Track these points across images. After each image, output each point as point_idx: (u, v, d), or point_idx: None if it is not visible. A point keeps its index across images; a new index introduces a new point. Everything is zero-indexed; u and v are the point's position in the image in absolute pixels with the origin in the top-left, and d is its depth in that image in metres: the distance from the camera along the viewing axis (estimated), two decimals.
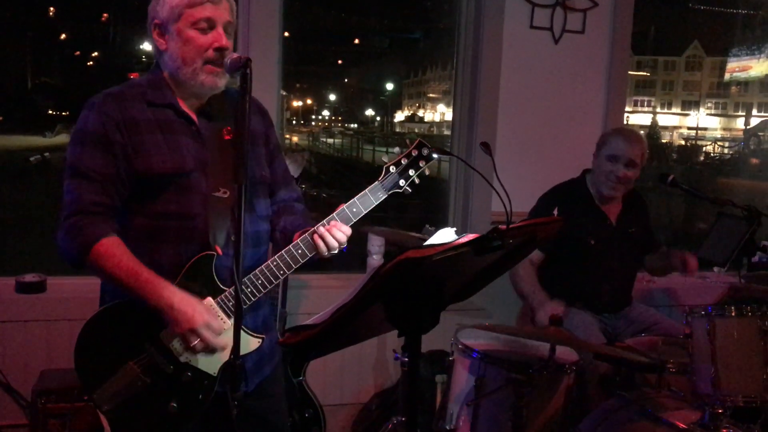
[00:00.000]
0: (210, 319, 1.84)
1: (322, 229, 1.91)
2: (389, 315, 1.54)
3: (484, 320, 3.74)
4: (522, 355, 2.61)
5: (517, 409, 2.41)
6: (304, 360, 3.31)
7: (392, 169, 1.98)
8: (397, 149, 2.04)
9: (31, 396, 2.97)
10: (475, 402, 2.52)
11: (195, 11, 1.85)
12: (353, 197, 1.97)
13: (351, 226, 1.97)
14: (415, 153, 1.99)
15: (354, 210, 1.96)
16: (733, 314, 2.54)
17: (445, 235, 1.74)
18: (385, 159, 2.01)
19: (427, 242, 1.68)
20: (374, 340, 3.70)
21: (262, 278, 1.91)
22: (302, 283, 3.63)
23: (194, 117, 1.97)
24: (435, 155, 2.02)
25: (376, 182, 1.97)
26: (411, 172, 1.99)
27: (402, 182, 1.98)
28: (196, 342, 1.83)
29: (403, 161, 1.99)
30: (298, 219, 2.11)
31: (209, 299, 1.90)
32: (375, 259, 3.58)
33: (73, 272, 3.49)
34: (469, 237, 1.48)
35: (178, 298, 1.81)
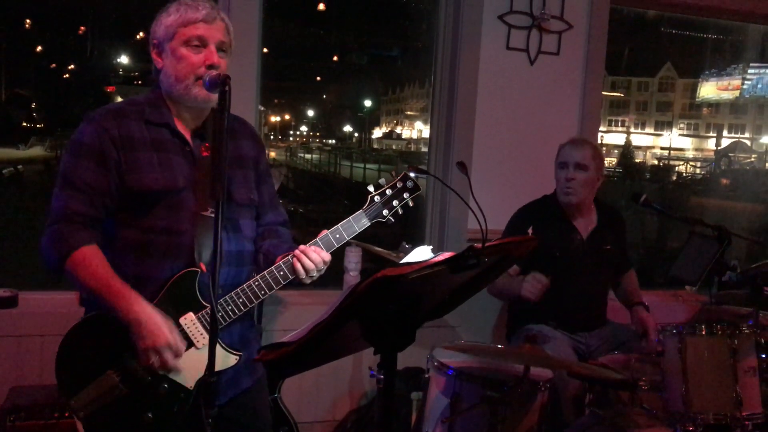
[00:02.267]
0: (173, 340, 1.87)
1: (300, 253, 1.95)
2: (365, 332, 1.54)
3: (459, 337, 3.75)
4: (497, 372, 2.63)
5: (492, 427, 2.42)
6: (280, 377, 3.29)
7: (377, 198, 2.04)
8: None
9: None
10: (450, 419, 2.52)
11: (188, 30, 1.92)
12: (337, 224, 2.02)
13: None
14: (400, 185, 2.05)
15: (337, 236, 2.01)
16: (703, 333, 2.58)
17: (421, 253, 1.76)
18: (370, 188, 2.06)
19: (404, 260, 1.69)
20: (350, 357, 3.69)
21: (243, 297, 1.95)
22: (278, 300, 3.61)
23: (188, 137, 2.01)
24: (418, 183, 2.08)
25: (360, 210, 2.02)
26: (395, 202, 2.05)
27: (385, 212, 2.04)
28: (154, 359, 1.86)
29: (388, 192, 2.05)
30: (282, 243, 2.14)
31: (190, 314, 1.93)
32: (351, 276, 3.59)
33: (45, 287, 3.46)
34: (445, 255, 1.49)
35: (147, 315, 1.84)
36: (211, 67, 1.90)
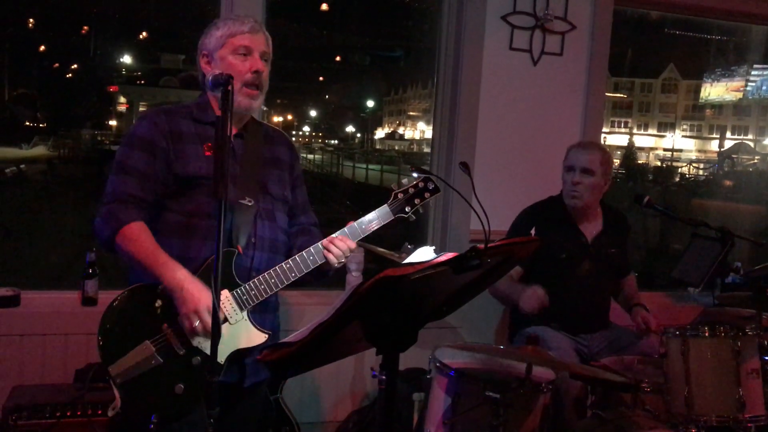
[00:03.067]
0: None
1: (329, 239, 2.14)
2: (367, 333, 1.54)
3: (461, 338, 3.75)
4: (499, 373, 2.62)
5: (494, 428, 2.42)
6: (282, 377, 3.29)
7: (399, 195, 2.21)
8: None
9: (1, 413, 2.91)
10: (452, 420, 2.52)
11: (236, 40, 2.16)
12: (363, 216, 2.19)
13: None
14: (421, 185, 2.22)
15: (363, 227, 2.19)
16: (706, 335, 2.58)
17: (424, 254, 1.76)
18: (394, 186, 2.21)
19: (406, 260, 1.69)
20: (352, 358, 3.69)
21: (275, 278, 2.11)
22: (281, 300, 3.59)
23: (231, 137, 2.12)
24: (441, 185, 2.24)
25: (385, 205, 2.20)
26: (416, 201, 2.22)
27: (407, 209, 2.21)
28: (197, 323, 1.99)
29: (410, 190, 2.22)
30: (314, 238, 2.29)
31: (225, 291, 2.08)
32: (354, 276, 3.58)
33: (47, 286, 3.47)
34: (448, 256, 1.49)
35: (189, 281, 2.01)
36: (256, 72, 2.14)
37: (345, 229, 2.18)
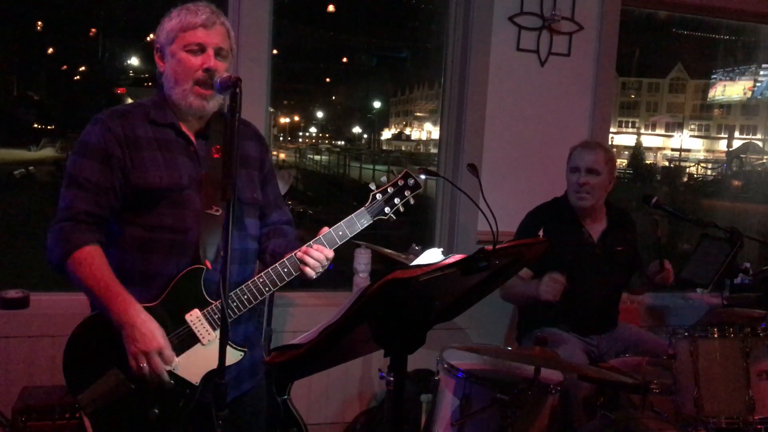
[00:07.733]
0: (164, 346, 1.90)
1: (304, 251, 1.99)
2: (375, 334, 1.54)
3: (468, 340, 3.74)
4: (507, 374, 2.62)
5: (502, 429, 2.41)
6: (290, 379, 3.29)
7: (378, 196, 2.08)
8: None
9: (11, 414, 2.92)
10: (460, 422, 2.52)
11: (187, 35, 1.98)
12: (339, 221, 2.04)
13: (337, 248, 2.05)
14: (401, 183, 2.10)
15: (340, 233, 2.04)
16: (715, 335, 2.56)
17: (431, 256, 1.76)
18: (372, 186, 2.08)
19: (414, 262, 1.69)
20: (360, 359, 3.69)
21: (247, 293, 1.98)
22: (288, 301, 3.62)
23: (193, 138, 2.06)
24: (421, 181, 2.12)
25: (362, 208, 2.06)
26: (396, 200, 2.09)
27: (387, 210, 2.08)
28: (144, 365, 1.88)
29: (389, 190, 2.09)
30: (289, 242, 2.18)
31: (196, 311, 1.96)
32: (361, 278, 3.58)
33: (56, 288, 3.48)
34: (456, 257, 1.49)
35: (141, 319, 1.88)
36: (207, 71, 1.96)
37: (320, 237, 2.03)
